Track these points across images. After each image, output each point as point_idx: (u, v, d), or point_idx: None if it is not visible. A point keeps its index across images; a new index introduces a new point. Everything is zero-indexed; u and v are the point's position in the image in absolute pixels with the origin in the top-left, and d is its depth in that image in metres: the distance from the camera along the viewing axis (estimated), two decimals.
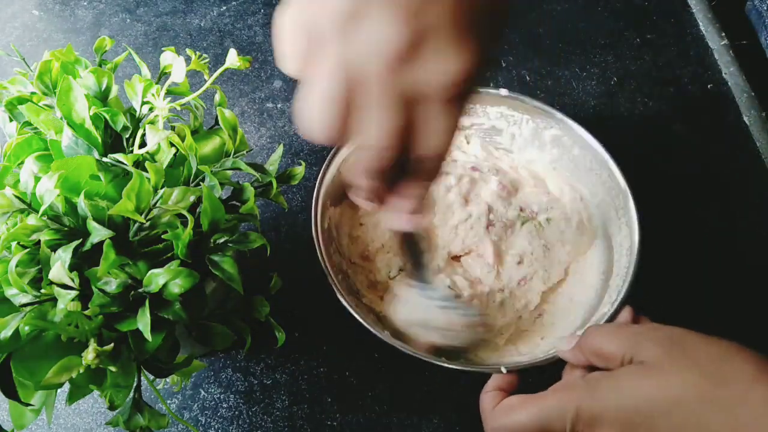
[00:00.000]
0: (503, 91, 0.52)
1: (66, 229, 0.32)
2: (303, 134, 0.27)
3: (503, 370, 0.40)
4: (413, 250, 0.41)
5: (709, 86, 0.65)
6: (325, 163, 0.48)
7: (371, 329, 0.42)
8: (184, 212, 0.32)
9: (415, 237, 0.40)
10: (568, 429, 0.33)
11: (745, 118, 0.63)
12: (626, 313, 0.42)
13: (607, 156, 0.48)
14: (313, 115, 0.26)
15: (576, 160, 0.52)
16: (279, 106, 0.64)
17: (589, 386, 0.33)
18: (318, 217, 0.45)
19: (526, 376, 0.40)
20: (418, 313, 0.44)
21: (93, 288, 0.31)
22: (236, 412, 0.48)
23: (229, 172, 0.37)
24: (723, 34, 0.68)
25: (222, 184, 0.36)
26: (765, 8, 0.63)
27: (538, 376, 0.39)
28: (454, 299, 0.46)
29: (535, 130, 0.53)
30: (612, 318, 0.42)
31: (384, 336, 0.42)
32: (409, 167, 0.30)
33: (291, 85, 0.65)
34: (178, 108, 0.37)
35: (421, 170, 0.30)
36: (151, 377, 0.34)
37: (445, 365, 0.41)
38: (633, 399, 0.31)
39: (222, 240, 0.34)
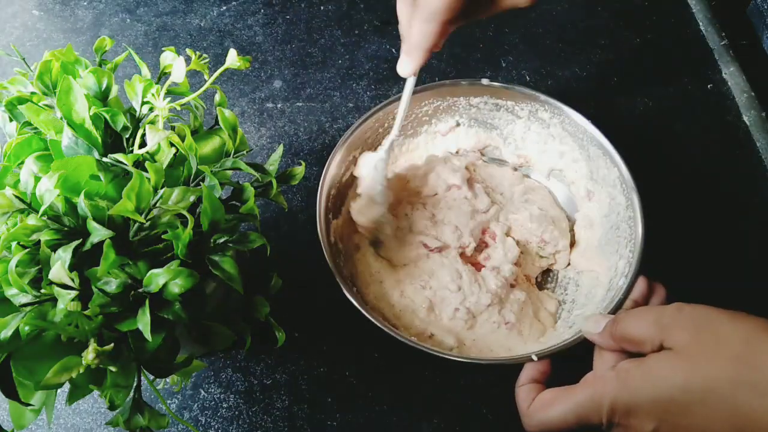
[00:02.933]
0: (484, 80, 0.53)
1: (66, 229, 0.32)
2: None
3: (534, 357, 0.40)
4: None
5: (709, 86, 0.65)
6: (322, 177, 0.48)
7: (386, 329, 0.42)
8: (184, 212, 0.32)
9: None
10: (604, 421, 0.33)
11: (745, 118, 0.63)
12: (641, 284, 0.42)
13: (610, 146, 0.49)
14: None
15: (583, 153, 0.53)
16: (279, 106, 0.64)
17: (621, 378, 0.34)
18: (323, 230, 0.46)
19: (554, 363, 0.41)
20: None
21: (93, 288, 0.31)
22: (236, 412, 0.48)
23: (229, 172, 0.37)
24: (723, 34, 0.68)
25: (222, 184, 0.36)
26: (766, 8, 0.63)
27: (566, 359, 0.40)
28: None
29: (542, 123, 0.54)
30: (628, 290, 0.42)
31: (394, 332, 0.42)
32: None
33: (291, 85, 0.65)
34: (178, 108, 0.37)
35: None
36: (151, 377, 0.34)
37: (476, 361, 0.42)
38: (667, 389, 0.32)
39: (222, 240, 0.34)
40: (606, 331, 0.37)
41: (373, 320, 0.42)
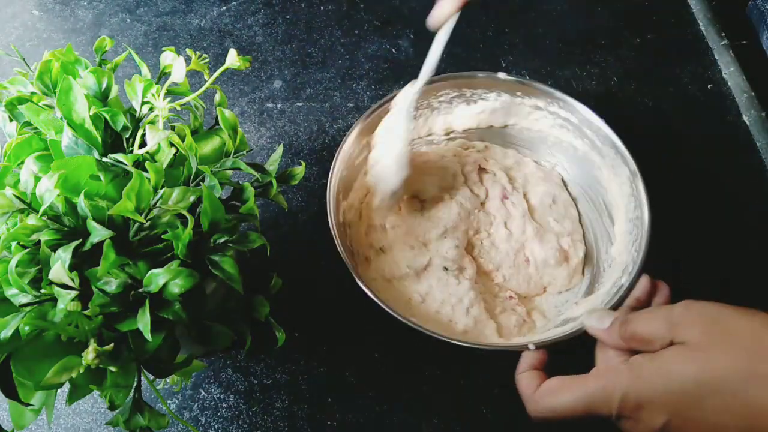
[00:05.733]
0: (500, 74, 0.53)
1: (66, 229, 0.32)
2: None
3: (531, 346, 0.40)
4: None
5: (709, 86, 0.65)
6: (335, 156, 0.48)
7: (396, 314, 0.42)
8: (184, 212, 0.32)
9: None
10: (614, 413, 0.33)
11: (745, 118, 0.63)
12: (644, 282, 0.42)
13: (607, 129, 0.50)
14: None
15: (576, 133, 0.53)
16: (279, 106, 0.64)
17: (633, 370, 0.34)
18: (332, 210, 0.46)
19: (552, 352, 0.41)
20: None
21: (93, 288, 0.31)
22: (236, 412, 0.48)
23: (229, 172, 0.37)
24: (723, 34, 0.68)
25: (222, 184, 0.36)
26: (765, 8, 0.63)
27: (563, 351, 0.40)
28: None
29: (536, 108, 0.54)
30: (630, 288, 0.42)
31: (407, 320, 0.42)
32: None
33: (291, 85, 0.65)
34: (178, 108, 0.37)
35: None
36: (151, 377, 0.34)
37: (471, 345, 0.41)
38: (679, 382, 0.32)
39: (222, 240, 0.34)
40: (614, 330, 0.37)
41: (377, 300, 0.42)
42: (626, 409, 0.33)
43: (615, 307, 0.42)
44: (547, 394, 0.36)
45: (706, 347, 0.32)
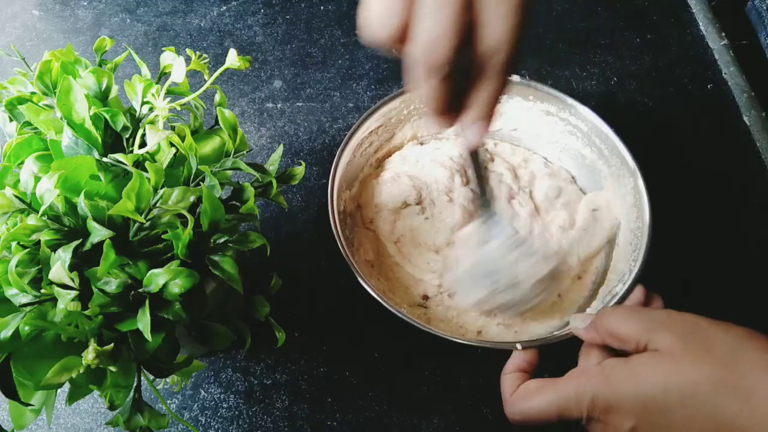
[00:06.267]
0: (514, 77, 0.53)
1: (66, 229, 0.32)
2: (365, 38, 0.28)
3: (518, 347, 0.40)
4: (478, 174, 0.41)
5: (709, 86, 0.65)
6: (341, 145, 0.49)
7: (393, 308, 0.42)
8: (184, 212, 0.32)
9: (480, 161, 0.40)
10: (584, 416, 0.33)
11: (745, 118, 0.63)
12: (638, 293, 0.42)
13: (616, 139, 0.49)
14: (373, 14, 0.27)
15: (585, 141, 0.53)
16: (279, 106, 0.64)
17: (604, 374, 0.34)
18: (335, 198, 0.46)
19: (541, 355, 0.41)
20: (484, 263, 0.44)
21: (93, 288, 0.31)
22: (236, 412, 0.48)
23: (229, 172, 0.37)
24: (723, 34, 0.68)
25: (222, 184, 0.36)
26: (765, 8, 0.63)
27: (554, 354, 0.40)
28: (522, 241, 0.45)
29: (546, 113, 0.54)
30: (624, 297, 0.42)
31: (400, 313, 0.42)
32: (474, 71, 0.29)
33: (291, 85, 0.65)
34: (178, 108, 0.37)
35: (486, 71, 0.29)
36: (151, 377, 0.34)
37: (460, 341, 0.42)
38: (648, 388, 0.32)
39: (222, 240, 0.34)
40: (591, 325, 0.37)
41: (373, 294, 0.42)
42: (595, 411, 0.33)
43: None
44: (522, 397, 0.36)
45: (678, 356, 0.32)
